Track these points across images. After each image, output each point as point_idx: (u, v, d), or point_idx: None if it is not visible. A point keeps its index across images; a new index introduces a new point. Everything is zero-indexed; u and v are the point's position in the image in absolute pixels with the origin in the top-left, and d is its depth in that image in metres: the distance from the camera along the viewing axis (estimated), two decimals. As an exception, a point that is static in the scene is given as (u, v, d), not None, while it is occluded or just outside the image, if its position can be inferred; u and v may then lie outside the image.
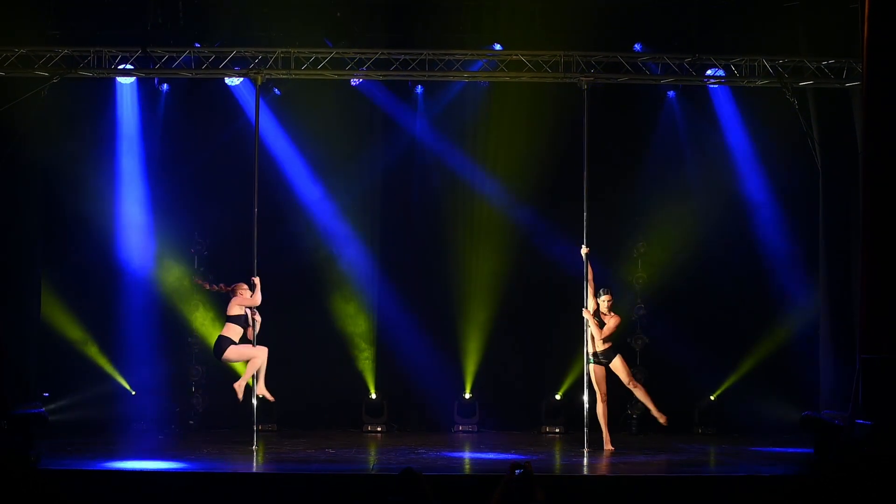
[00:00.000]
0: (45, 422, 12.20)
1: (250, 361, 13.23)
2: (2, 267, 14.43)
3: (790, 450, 13.32)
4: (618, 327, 13.60)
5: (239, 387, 13.24)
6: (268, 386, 13.35)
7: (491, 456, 13.10)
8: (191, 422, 15.63)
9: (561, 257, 15.17)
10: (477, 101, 16.02)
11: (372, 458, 13.08)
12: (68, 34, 14.48)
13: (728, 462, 13.04)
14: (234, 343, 13.17)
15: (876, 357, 11.05)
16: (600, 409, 13.43)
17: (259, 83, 13.86)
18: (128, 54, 14.09)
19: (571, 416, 14.97)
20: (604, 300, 13.54)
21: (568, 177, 14.72)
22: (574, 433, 14.40)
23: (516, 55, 14.18)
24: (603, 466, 12.27)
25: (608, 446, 13.42)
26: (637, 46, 14.92)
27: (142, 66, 14.22)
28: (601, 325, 13.47)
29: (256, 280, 13.23)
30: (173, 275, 15.87)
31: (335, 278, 16.08)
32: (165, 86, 15.83)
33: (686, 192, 15.86)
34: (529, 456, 12.66)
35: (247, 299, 13.23)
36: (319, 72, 14.22)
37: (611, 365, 13.53)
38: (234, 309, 13.24)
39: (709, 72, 14.33)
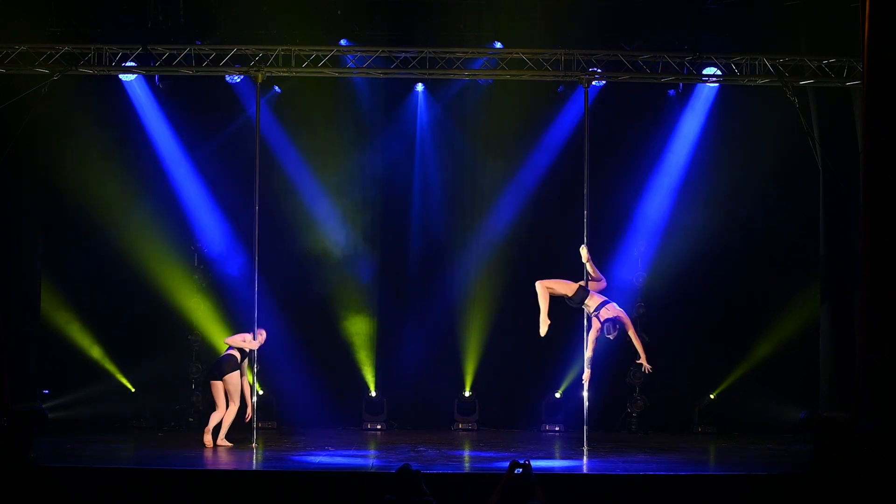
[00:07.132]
0: (44, 419, 12.18)
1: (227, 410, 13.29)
2: (2, 264, 14.42)
3: (790, 450, 13.32)
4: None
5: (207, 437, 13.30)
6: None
7: (491, 454, 13.10)
8: (190, 419, 15.62)
9: (561, 255, 15.15)
10: (478, 100, 16.01)
11: (371, 455, 13.08)
12: (69, 31, 14.51)
13: (728, 461, 13.02)
14: (237, 369, 13.23)
15: (876, 357, 11.03)
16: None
17: (259, 81, 13.84)
18: (128, 52, 14.08)
19: (571, 414, 14.96)
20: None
21: (569, 175, 14.71)
22: (574, 431, 14.40)
23: (517, 53, 14.17)
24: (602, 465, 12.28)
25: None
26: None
27: (142, 63, 14.23)
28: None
29: (263, 334, 13.31)
30: (173, 272, 15.86)
31: (336, 276, 16.07)
32: (166, 83, 15.82)
33: (686, 191, 15.85)
34: (529, 454, 12.66)
35: (248, 343, 13.27)
36: (320, 69, 14.20)
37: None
38: (236, 342, 13.32)
39: (709, 70, 14.31)
